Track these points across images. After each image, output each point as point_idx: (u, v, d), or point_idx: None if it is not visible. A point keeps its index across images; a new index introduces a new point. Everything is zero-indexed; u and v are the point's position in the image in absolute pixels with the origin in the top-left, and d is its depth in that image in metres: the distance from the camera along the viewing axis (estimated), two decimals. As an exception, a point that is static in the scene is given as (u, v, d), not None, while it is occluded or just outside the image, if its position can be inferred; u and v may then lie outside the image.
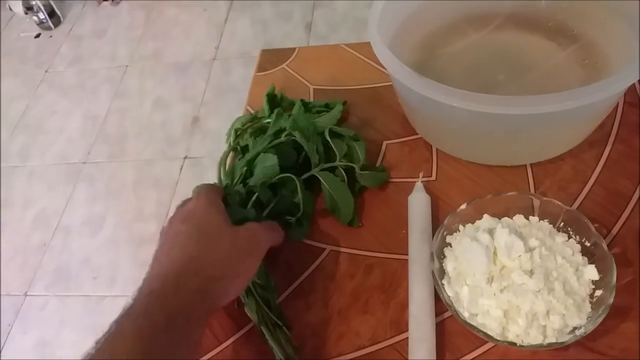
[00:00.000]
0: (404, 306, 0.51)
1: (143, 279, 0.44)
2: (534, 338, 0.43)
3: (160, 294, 0.41)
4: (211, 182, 0.64)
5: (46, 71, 2.07)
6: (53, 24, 2.25)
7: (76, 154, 1.75)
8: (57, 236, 1.55)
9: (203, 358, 0.52)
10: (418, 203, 0.56)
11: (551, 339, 0.43)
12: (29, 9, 2.20)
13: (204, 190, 0.51)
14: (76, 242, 1.53)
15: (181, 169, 1.61)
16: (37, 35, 2.25)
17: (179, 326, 0.40)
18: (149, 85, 1.91)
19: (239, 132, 0.66)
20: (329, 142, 0.60)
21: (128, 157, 1.69)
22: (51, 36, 2.23)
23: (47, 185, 1.68)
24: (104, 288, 1.42)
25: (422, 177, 0.58)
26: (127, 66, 2.00)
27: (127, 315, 0.40)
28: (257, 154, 0.59)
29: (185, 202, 0.51)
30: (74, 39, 2.19)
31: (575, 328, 0.44)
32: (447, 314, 0.49)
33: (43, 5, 2.20)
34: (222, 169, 0.63)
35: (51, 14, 2.24)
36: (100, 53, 2.09)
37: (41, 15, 2.22)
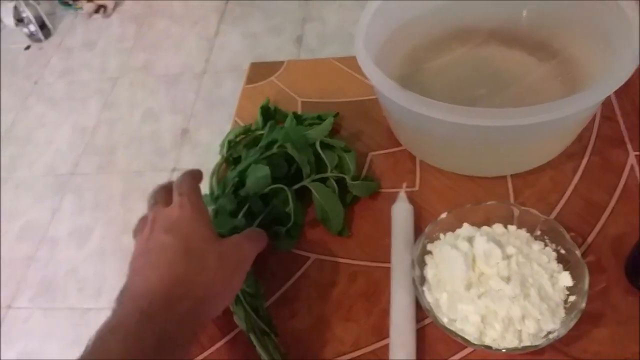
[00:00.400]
0: (385, 313, 0.52)
1: (122, 289, 0.43)
2: (510, 342, 0.45)
3: (150, 314, 0.40)
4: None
5: (36, 83, 2.08)
6: (44, 35, 2.26)
7: (64, 165, 1.75)
8: (43, 248, 1.54)
9: (188, 364, 0.52)
10: (401, 212, 0.57)
11: (526, 342, 0.44)
12: (19, 20, 2.21)
13: (188, 193, 0.47)
14: (62, 253, 1.52)
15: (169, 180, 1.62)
16: (27, 47, 2.26)
17: (169, 347, 0.39)
18: (139, 97, 1.92)
19: (232, 144, 0.68)
20: (320, 153, 0.61)
21: (117, 169, 1.70)
22: (41, 48, 2.24)
23: (34, 197, 1.68)
24: (89, 300, 1.41)
25: (406, 187, 0.60)
26: (117, 78, 2.01)
27: (113, 333, 0.39)
28: (249, 165, 0.60)
29: (163, 203, 0.48)
30: (65, 50, 2.20)
31: (549, 332, 0.45)
32: (427, 320, 0.51)
33: (34, 17, 2.21)
34: (214, 179, 0.64)
35: (42, 26, 2.25)
36: (91, 65, 2.10)
37: (32, 27, 2.23)
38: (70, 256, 1.51)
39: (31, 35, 2.25)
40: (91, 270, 1.47)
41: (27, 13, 2.18)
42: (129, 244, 1.61)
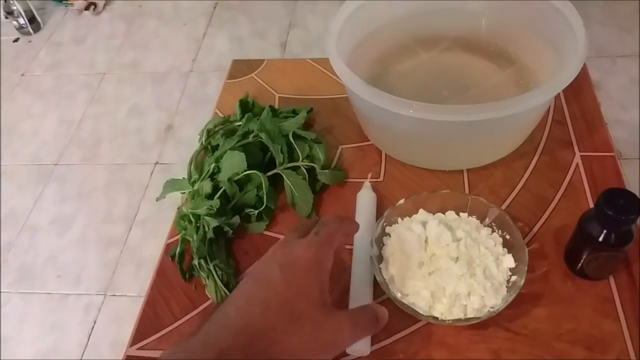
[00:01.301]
0: (346, 290, 0.56)
1: (212, 314, 0.41)
2: (455, 315, 0.49)
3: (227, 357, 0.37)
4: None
5: (23, 75, 2.10)
6: (33, 29, 2.28)
7: (49, 156, 1.77)
8: (23, 235, 1.56)
9: (160, 333, 0.56)
10: (365, 200, 0.62)
11: (470, 315, 0.49)
12: (9, 13, 2.23)
13: (323, 237, 0.44)
14: (43, 241, 1.54)
15: (151, 173, 1.65)
16: (16, 40, 2.28)
17: None
18: (126, 93, 1.95)
19: (211, 133, 0.72)
20: (292, 143, 0.66)
21: (100, 161, 1.72)
22: (30, 41, 2.26)
23: (16, 185, 1.69)
24: (67, 287, 1.43)
25: (371, 177, 0.65)
26: (104, 74, 2.04)
27: None
28: (225, 152, 0.64)
29: (301, 235, 0.46)
30: (53, 45, 2.22)
31: (491, 308, 0.50)
32: (383, 297, 0.55)
33: (24, 11, 2.23)
34: (192, 165, 0.68)
35: (31, 19, 2.27)
36: (79, 60, 2.13)
37: (21, 21, 2.24)
38: (51, 244, 1.53)
39: (20, 28, 2.26)
40: (71, 258, 1.49)
41: (16, 6, 2.20)
42: (109, 233, 1.65)
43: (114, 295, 1.40)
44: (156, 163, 1.68)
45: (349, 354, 0.50)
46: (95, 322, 1.35)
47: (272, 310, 0.40)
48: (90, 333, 1.33)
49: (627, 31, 1.78)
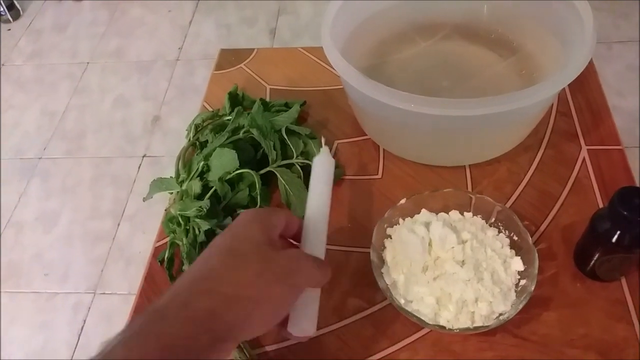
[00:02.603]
0: (346, 295, 0.53)
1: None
2: (462, 323, 0.47)
3: (162, 315, 0.34)
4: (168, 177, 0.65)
5: (2, 65, 2.03)
6: (12, 17, 2.20)
7: (31, 149, 1.71)
8: (7, 232, 1.52)
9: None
10: (321, 168, 0.52)
11: (478, 323, 0.46)
12: (-14, 0, 2.15)
13: (265, 209, 0.45)
14: (28, 238, 1.50)
15: (139, 167, 1.60)
16: (-5, 28, 2.20)
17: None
18: (110, 83, 1.89)
19: (199, 128, 0.68)
20: (285, 139, 0.63)
21: (86, 154, 1.67)
22: (9, 29, 2.18)
23: (0, 181, 1.64)
24: (55, 285, 1.39)
25: (325, 142, 0.56)
26: (88, 63, 1.98)
27: (120, 334, 0.33)
28: (215, 149, 0.61)
29: None
30: (33, 33, 2.15)
31: (500, 314, 0.47)
32: (384, 303, 0.52)
33: (2, -2, 2.15)
34: (180, 163, 0.65)
35: (10, 6, 2.19)
36: (61, 48, 2.06)
37: (0, 8, 2.17)
38: (36, 240, 1.48)
39: (-1, 16, 2.19)
40: (57, 254, 1.45)
41: (-6, -7, 2.13)
42: (96, 229, 1.60)
43: (104, 293, 1.36)
44: (144, 156, 1.63)
45: (292, 337, 0.43)
46: (85, 321, 1.31)
47: (214, 258, 0.39)
48: (80, 333, 1.29)
49: (623, 16, 1.75)
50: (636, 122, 1.44)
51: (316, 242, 0.46)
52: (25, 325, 1.32)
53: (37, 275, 1.41)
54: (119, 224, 1.47)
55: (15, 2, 2.21)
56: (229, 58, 0.80)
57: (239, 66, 0.78)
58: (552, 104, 0.66)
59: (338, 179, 0.63)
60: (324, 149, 0.55)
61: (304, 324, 0.43)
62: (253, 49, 0.81)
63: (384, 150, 0.65)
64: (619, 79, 1.49)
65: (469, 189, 0.60)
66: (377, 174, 0.63)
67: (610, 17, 1.74)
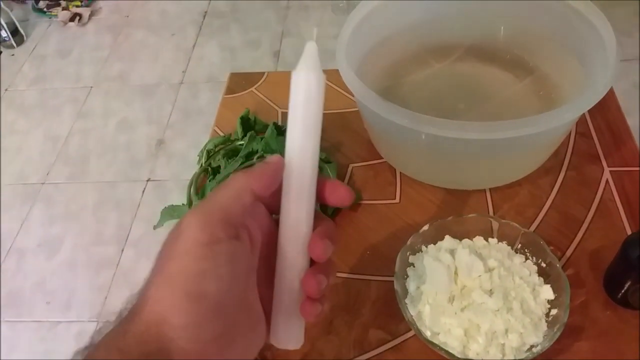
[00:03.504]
0: (367, 326, 0.51)
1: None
2: (493, 356, 0.44)
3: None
4: (176, 203, 0.64)
5: (6, 90, 2.03)
6: (16, 42, 2.21)
7: (34, 174, 1.70)
8: (9, 259, 1.49)
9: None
10: (305, 84, 0.34)
11: (509, 356, 0.44)
12: (-9, 26, 2.16)
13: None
14: (30, 265, 1.47)
15: (144, 191, 1.59)
16: (-2, 53, 2.21)
17: None
18: (114, 107, 1.88)
19: (211, 153, 0.67)
20: (300, 164, 0.61)
21: (89, 179, 1.65)
22: (13, 55, 2.19)
23: (2, 206, 1.62)
24: (57, 313, 1.36)
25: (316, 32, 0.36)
26: (91, 87, 1.98)
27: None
28: (228, 175, 0.59)
29: None
30: (37, 58, 2.15)
31: (532, 346, 0.45)
32: (410, 333, 0.50)
33: (6, 24, 2.16)
34: (192, 189, 0.63)
35: (14, 32, 2.20)
36: (64, 73, 2.06)
37: (3, 34, 2.17)
38: (39, 268, 1.46)
39: (2, 42, 2.19)
40: (60, 282, 1.42)
41: (-2, 19, 2.14)
42: (100, 255, 1.57)
43: (108, 321, 1.33)
44: (148, 180, 1.62)
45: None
46: (87, 350, 1.28)
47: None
48: (83, 362, 1.25)
49: (627, 34, 1.75)
50: (644, 140, 1.43)
51: (300, 198, 0.33)
52: (26, 356, 1.28)
53: (39, 304, 1.38)
54: (123, 250, 1.44)
55: (19, 28, 2.22)
56: (239, 82, 0.79)
57: (249, 90, 0.77)
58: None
59: (355, 204, 0.61)
60: (308, 49, 0.34)
61: (281, 335, 0.34)
62: (263, 73, 0.80)
63: (400, 173, 0.63)
64: (626, 97, 1.48)
65: (490, 213, 0.59)
66: (395, 199, 0.61)
67: (614, 36, 1.74)
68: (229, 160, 0.63)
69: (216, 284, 0.29)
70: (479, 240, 0.52)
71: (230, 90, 0.78)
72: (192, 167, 0.67)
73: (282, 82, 0.78)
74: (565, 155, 0.63)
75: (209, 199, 0.31)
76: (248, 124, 0.69)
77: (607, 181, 0.60)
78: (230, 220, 0.30)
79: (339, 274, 0.55)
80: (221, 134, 0.70)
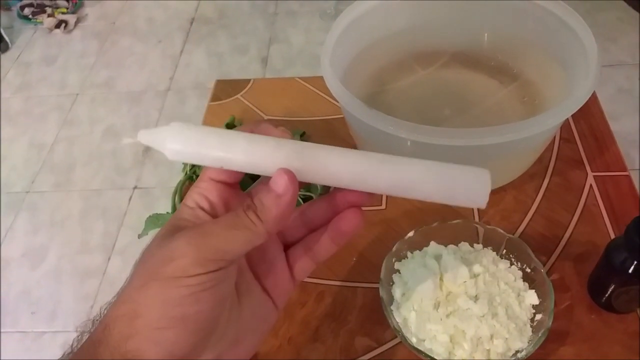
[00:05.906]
0: (353, 333, 0.51)
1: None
2: (478, 362, 0.44)
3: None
4: (162, 211, 0.63)
5: (-10, 97, 2.01)
6: (0, 49, 2.19)
7: (19, 183, 1.68)
8: (-7, 269, 1.47)
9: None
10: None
11: (495, 362, 0.44)
12: (-26, 33, 2.14)
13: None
14: (15, 274, 1.45)
15: (130, 199, 1.57)
16: (-18, 61, 2.18)
17: None
18: (100, 114, 1.87)
19: (194, 161, 0.66)
20: (285, 170, 0.61)
21: (75, 187, 1.64)
22: (-3, 62, 2.17)
23: (-15, 216, 1.60)
24: (42, 324, 1.34)
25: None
26: (77, 94, 1.96)
27: None
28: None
29: None
30: (22, 65, 2.13)
31: (517, 351, 0.45)
32: (395, 341, 0.50)
33: (-10, 31, 2.14)
34: (177, 197, 0.63)
35: (-2, 39, 2.18)
36: (50, 80, 2.04)
37: (-13, 41, 2.16)
38: (23, 277, 1.44)
39: (-14, 49, 2.18)
40: (46, 292, 1.40)
41: (-18, 26, 2.12)
42: (85, 264, 1.54)
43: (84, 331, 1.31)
44: (134, 187, 1.60)
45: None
46: (73, 360, 1.26)
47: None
48: (68, 373, 1.24)
49: (611, 40, 1.77)
50: (631, 145, 1.45)
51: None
52: (11, 367, 1.27)
53: (23, 314, 1.36)
54: (109, 259, 1.43)
55: (4, 35, 2.20)
56: (225, 89, 0.78)
57: (235, 97, 0.77)
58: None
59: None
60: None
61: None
62: (249, 80, 0.79)
63: (386, 180, 0.63)
64: (611, 102, 1.50)
65: (476, 218, 0.59)
66: (381, 205, 0.61)
67: (599, 41, 1.76)
68: (214, 168, 0.62)
69: (197, 306, 0.27)
70: (464, 245, 0.52)
71: (216, 97, 0.77)
72: (179, 174, 0.67)
73: (268, 89, 0.78)
74: (550, 160, 0.63)
75: (210, 232, 0.28)
76: (233, 131, 0.69)
77: (590, 186, 0.60)
78: (227, 259, 0.28)
79: (325, 282, 0.55)
80: (207, 141, 0.70)
